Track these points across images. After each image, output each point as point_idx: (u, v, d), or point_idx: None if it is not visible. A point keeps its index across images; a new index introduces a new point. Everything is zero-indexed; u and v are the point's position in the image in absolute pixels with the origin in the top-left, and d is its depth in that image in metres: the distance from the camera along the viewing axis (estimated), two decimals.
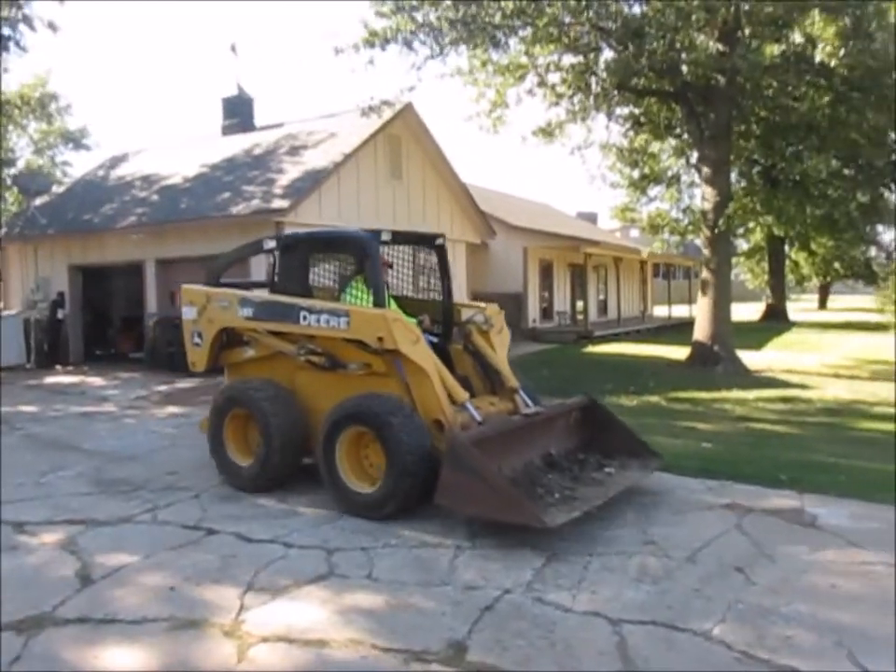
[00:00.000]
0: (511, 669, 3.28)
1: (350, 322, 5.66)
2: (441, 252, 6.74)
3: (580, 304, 24.88)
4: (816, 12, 12.42)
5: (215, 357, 6.76)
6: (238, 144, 18.31)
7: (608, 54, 16.38)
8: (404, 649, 3.46)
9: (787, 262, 36.77)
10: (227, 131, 19.87)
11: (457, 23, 14.44)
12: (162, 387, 12.77)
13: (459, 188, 18.94)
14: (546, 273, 23.88)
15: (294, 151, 16.60)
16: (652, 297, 33.01)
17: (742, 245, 35.32)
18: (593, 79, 16.64)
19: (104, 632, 3.71)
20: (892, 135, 19.22)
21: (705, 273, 15.65)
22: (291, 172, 15.41)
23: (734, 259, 36.32)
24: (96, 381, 14.02)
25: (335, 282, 6.75)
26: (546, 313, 23.75)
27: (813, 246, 33.13)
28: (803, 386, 12.85)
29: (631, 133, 19.71)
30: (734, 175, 23.17)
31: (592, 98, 16.99)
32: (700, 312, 15.64)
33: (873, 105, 14.77)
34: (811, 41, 12.73)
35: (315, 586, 4.21)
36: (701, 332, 15.26)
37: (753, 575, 4.26)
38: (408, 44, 14.96)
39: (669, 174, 24.52)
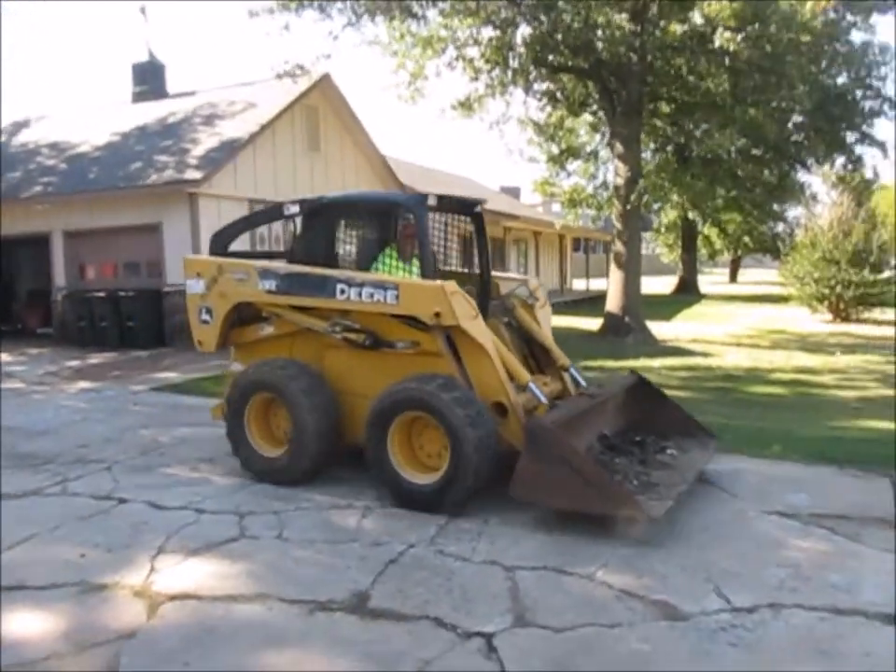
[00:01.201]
0: (410, 612, 3.52)
1: (400, 296, 5.11)
2: (479, 220, 6.28)
3: None
4: None
5: (225, 335, 6.10)
6: (150, 112, 17.77)
7: (525, 30, 16.62)
8: (310, 600, 3.65)
9: (699, 237, 38.14)
10: (137, 98, 19.25)
11: None
12: (73, 363, 12.47)
13: (378, 160, 18.93)
14: (467, 246, 24.13)
15: (209, 121, 16.26)
16: (571, 270, 33.80)
17: (659, 220, 36.39)
18: (510, 54, 16.85)
19: (12, 598, 3.76)
20: (794, 116, 20.23)
21: (617, 247, 16.19)
22: (206, 142, 15.11)
23: (650, 234, 37.59)
24: (1, 357, 13.55)
25: (359, 252, 6.18)
26: None
27: (723, 224, 34.53)
28: (706, 355, 13.55)
29: (548, 109, 20.07)
30: (649, 153, 23.96)
31: (510, 73, 17.22)
32: (612, 284, 16.21)
33: (773, 85, 15.48)
34: (711, 23, 13.23)
35: (225, 547, 4.35)
36: (613, 304, 15.84)
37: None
38: (323, 10, 14.84)
39: (588, 149, 25.11)
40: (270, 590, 3.78)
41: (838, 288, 20.17)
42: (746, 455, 6.22)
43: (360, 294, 5.25)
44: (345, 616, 3.52)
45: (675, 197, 24.73)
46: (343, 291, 5.32)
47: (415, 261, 5.89)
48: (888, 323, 19.09)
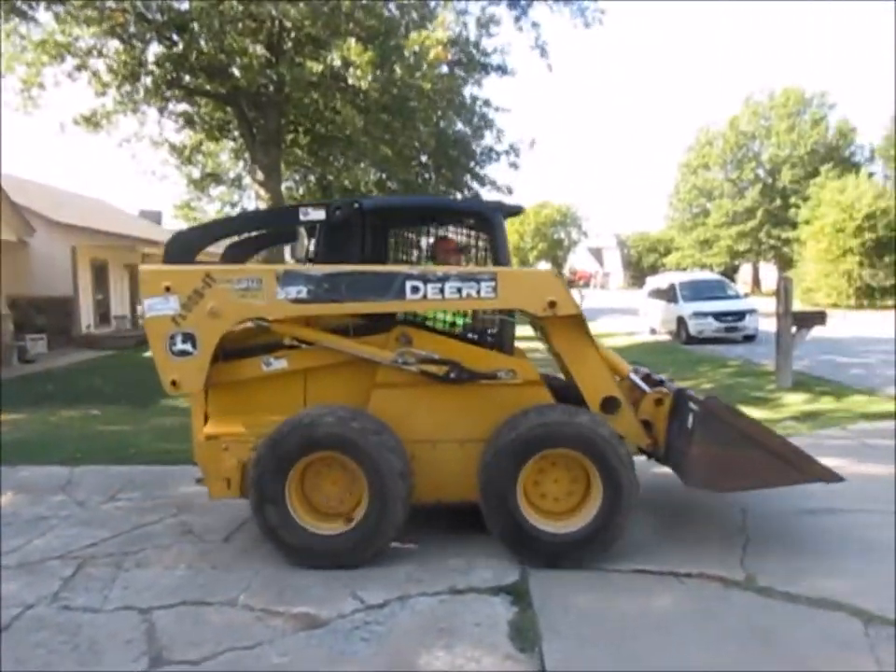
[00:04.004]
0: None
1: (498, 287, 4.34)
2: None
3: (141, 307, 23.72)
4: (351, 39, 13.83)
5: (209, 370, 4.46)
6: None
7: (157, 48, 15.96)
8: None
9: None
10: None
11: None
12: None
13: None
14: (101, 274, 22.24)
15: None
16: None
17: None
18: (141, 71, 16.04)
19: None
20: (422, 156, 22.33)
21: None
22: None
23: (296, 262, 38.33)
24: None
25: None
26: (103, 317, 22.14)
27: None
28: None
29: (186, 131, 19.49)
30: (293, 182, 24.52)
31: (141, 90, 16.39)
32: None
33: (399, 126, 16.97)
34: (347, 64, 14.11)
35: None
36: None
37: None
38: None
39: (231, 174, 24.82)
40: None
41: None
42: None
43: (442, 290, 4.34)
44: None
45: None
46: (416, 289, 4.34)
47: None
48: None
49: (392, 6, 15.38)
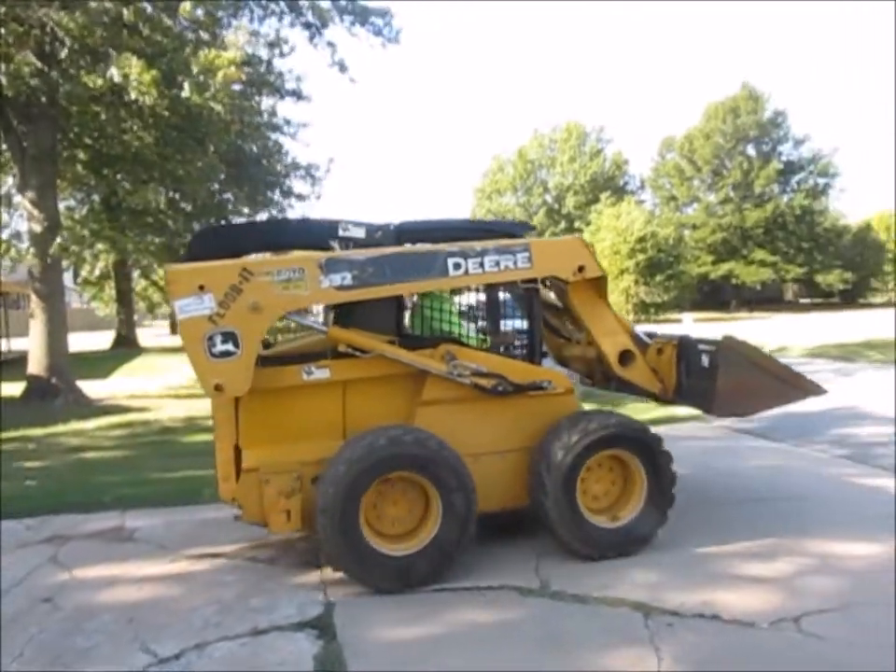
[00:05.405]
0: None
1: (532, 257, 4.67)
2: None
3: None
4: (132, 56, 13.03)
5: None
6: None
7: None
8: None
9: (135, 291, 37.47)
10: None
11: None
12: None
13: None
14: None
15: None
16: None
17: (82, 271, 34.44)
18: None
19: None
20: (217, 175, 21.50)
21: (36, 302, 14.81)
22: None
23: (79, 287, 35.42)
24: None
25: None
26: None
27: (155, 277, 34.57)
28: (143, 410, 13.32)
29: None
30: (74, 201, 22.65)
31: None
32: (33, 343, 14.71)
33: (192, 146, 16.26)
34: (127, 80, 13.29)
35: None
36: (36, 365, 14.36)
37: (60, 601, 4.29)
38: None
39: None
40: None
41: None
42: (177, 506, 6.29)
43: (482, 265, 4.56)
44: None
45: (100, 245, 23.80)
46: (457, 266, 4.52)
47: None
48: None
49: (183, 21, 14.74)
